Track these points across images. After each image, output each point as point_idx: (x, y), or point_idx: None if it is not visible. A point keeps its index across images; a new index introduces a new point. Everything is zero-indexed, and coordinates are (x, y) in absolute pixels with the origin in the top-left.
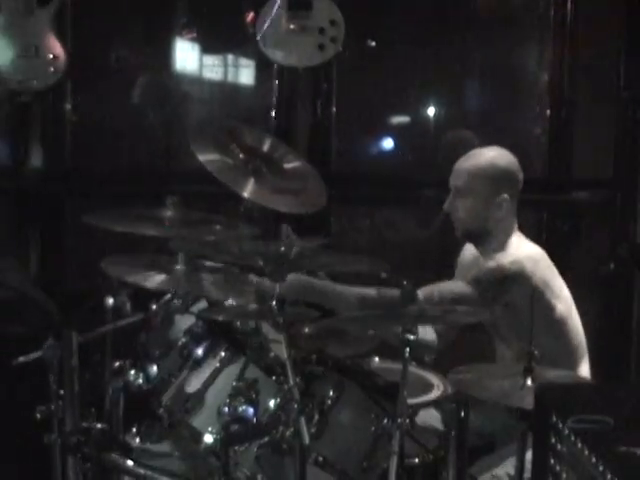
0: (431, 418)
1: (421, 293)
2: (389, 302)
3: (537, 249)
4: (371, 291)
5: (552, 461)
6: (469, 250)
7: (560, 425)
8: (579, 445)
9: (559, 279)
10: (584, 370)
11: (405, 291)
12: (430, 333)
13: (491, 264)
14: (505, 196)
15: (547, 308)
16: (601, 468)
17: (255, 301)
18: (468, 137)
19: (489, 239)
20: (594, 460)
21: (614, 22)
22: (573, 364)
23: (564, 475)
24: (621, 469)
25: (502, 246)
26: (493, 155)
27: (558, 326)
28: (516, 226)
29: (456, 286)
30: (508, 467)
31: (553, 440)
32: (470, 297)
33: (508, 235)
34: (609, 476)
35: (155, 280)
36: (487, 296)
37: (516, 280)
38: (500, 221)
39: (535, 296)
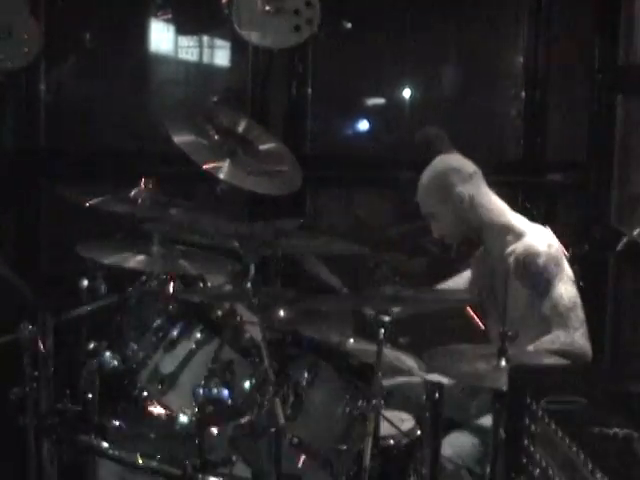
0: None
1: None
2: None
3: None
4: None
5: (526, 442)
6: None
7: (534, 406)
8: (552, 426)
9: None
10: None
11: None
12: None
13: (529, 255)
14: (458, 189)
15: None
16: (574, 448)
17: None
18: (435, 134)
19: (485, 232)
20: (567, 441)
21: (589, 4)
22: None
23: (538, 456)
24: (594, 449)
25: (510, 230)
26: (430, 169)
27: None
28: (507, 207)
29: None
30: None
31: (527, 421)
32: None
33: (504, 218)
34: (582, 456)
35: (132, 260)
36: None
37: (560, 258)
38: (476, 210)
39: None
